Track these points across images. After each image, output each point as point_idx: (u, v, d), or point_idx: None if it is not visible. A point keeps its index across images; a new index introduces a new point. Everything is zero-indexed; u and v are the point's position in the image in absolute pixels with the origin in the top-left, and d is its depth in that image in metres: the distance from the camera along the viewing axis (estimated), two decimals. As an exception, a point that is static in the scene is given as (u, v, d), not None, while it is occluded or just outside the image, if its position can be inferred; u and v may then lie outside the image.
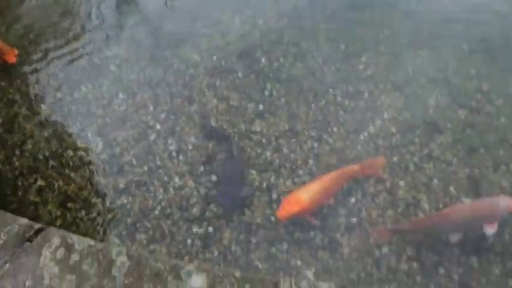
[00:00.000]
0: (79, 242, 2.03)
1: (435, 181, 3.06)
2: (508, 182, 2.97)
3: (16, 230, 2.12)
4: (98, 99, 3.94)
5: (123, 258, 1.94)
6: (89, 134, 3.68)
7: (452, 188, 3.00)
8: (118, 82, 4.04)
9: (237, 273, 1.82)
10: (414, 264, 2.64)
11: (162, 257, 1.95)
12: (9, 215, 2.27)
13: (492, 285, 2.51)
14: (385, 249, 2.73)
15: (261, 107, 3.70)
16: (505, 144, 3.22)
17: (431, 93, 3.67)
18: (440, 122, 3.44)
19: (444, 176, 3.08)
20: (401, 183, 3.06)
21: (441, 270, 2.61)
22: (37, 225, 2.16)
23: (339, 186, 2.91)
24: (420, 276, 2.59)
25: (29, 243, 2.08)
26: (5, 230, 2.13)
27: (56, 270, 1.92)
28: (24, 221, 2.21)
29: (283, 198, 2.86)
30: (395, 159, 3.20)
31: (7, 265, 1.95)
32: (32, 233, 2.13)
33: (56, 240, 2.05)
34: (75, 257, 1.97)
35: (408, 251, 2.71)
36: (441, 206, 2.90)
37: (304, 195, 2.73)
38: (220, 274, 1.81)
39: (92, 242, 2.04)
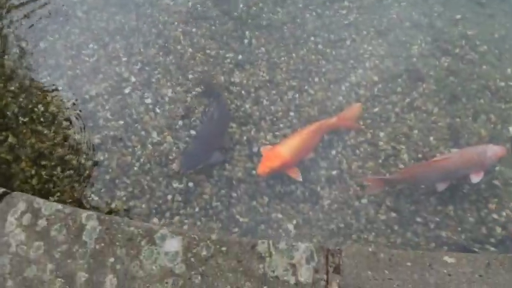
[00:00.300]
0: (46, 206, 1.95)
1: (416, 131, 3.05)
2: (487, 131, 2.99)
3: (-24, 195, 2.02)
4: (67, 49, 3.70)
5: (94, 222, 1.88)
6: (60, 88, 3.50)
7: (432, 138, 3.00)
8: (87, 31, 3.78)
9: (214, 236, 1.80)
10: (393, 214, 2.70)
11: (135, 221, 1.89)
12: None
13: (466, 233, 2.60)
14: (364, 200, 2.77)
15: (239, 56, 3.55)
16: (486, 92, 3.20)
17: (414, 40, 3.56)
18: (423, 69, 3.37)
19: (425, 126, 3.07)
20: (382, 134, 3.04)
21: (419, 219, 2.67)
22: (1, 190, 2.06)
23: (318, 139, 2.89)
24: (398, 226, 2.65)
25: (-8, 208, 2.00)
26: (-37, 194, 2.03)
27: (22, 237, 1.85)
28: (-15, 185, 2.11)
29: (263, 154, 2.82)
30: (376, 109, 3.16)
31: (-30, 232, 1.88)
32: (-5, 197, 2.04)
33: (21, 205, 1.96)
34: (42, 223, 1.90)
35: (387, 201, 2.76)
36: (420, 156, 2.92)
37: (284, 150, 2.71)
38: (196, 237, 1.78)
39: (60, 207, 1.96)
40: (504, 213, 2.65)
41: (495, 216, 2.65)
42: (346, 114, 2.99)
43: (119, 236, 1.80)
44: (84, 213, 1.92)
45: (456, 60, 3.41)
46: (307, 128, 2.87)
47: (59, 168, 3.09)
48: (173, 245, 1.75)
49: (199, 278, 1.67)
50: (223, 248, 1.75)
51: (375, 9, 3.79)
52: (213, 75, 3.42)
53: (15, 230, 1.88)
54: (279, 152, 2.69)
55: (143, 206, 2.86)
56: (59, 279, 1.70)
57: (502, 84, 3.23)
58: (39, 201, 1.97)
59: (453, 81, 3.29)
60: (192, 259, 1.72)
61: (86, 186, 3.01)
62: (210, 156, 2.89)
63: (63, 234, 1.85)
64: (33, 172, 3.07)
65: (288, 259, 1.71)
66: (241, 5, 3.88)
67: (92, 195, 2.95)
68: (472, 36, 3.55)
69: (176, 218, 2.80)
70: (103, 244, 1.80)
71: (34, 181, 3.03)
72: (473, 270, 1.66)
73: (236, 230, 2.72)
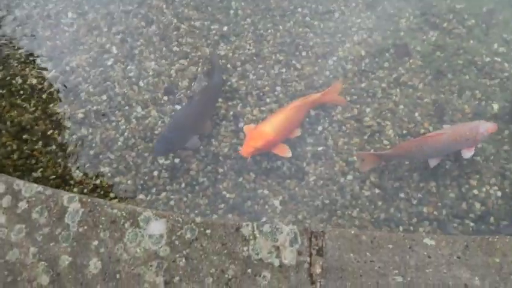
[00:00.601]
0: (26, 188, 1.90)
1: (401, 107, 3.06)
2: (471, 108, 3.01)
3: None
4: (44, 18, 3.54)
5: (76, 205, 1.85)
6: (39, 59, 3.37)
7: (417, 114, 3.02)
8: (64, -1, 3.61)
9: (198, 219, 1.80)
10: (377, 190, 2.74)
11: (118, 204, 1.87)
12: None
13: (447, 208, 2.67)
14: (349, 177, 2.80)
15: (225, 28, 3.45)
16: (472, 68, 3.20)
17: (403, 13, 3.51)
18: (410, 44, 3.34)
19: (411, 101, 3.08)
20: (368, 110, 3.04)
21: (402, 195, 2.73)
22: None
23: (302, 115, 2.86)
24: (382, 201, 2.71)
25: (-30, 190, 1.95)
26: None
27: (3, 219, 1.82)
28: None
29: (246, 133, 2.78)
30: (363, 85, 3.15)
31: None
32: (-28, 179, 1.98)
33: (0, 187, 1.92)
34: (23, 205, 1.86)
35: (372, 177, 2.80)
36: (405, 132, 2.94)
37: (267, 128, 2.66)
38: (181, 220, 1.78)
39: (40, 188, 1.92)
40: (484, 189, 2.72)
41: (475, 192, 2.72)
42: (330, 90, 2.97)
43: (103, 218, 1.78)
44: (66, 195, 1.89)
45: (443, 34, 3.39)
46: (291, 104, 2.82)
47: (41, 143, 3.02)
48: (157, 227, 1.75)
49: (184, 260, 1.69)
50: (208, 231, 1.75)
51: (365, -21, 3.69)
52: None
53: (-6, 212, 1.84)
54: (263, 131, 2.65)
55: (129, 182, 2.85)
56: (42, 263, 1.69)
57: (488, 59, 3.23)
58: (19, 183, 1.93)
59: (439, 56, 3.28)
60: (176, 242, 1.73)
61: (69, 162, 2.96)
62: (185, 142, 2.78)
63: (44, 216, 1.82)
64: (14, 147, 3.00)
65: (272, 242, 1.73)
66: (226, -27, 3.73)
67: (77, 171, 2.92)
68: (460, 10, 3.51)
69: (163, 194, 2.80)
70: (86, 227, 1.79)
71: (15, 156, 2.97)
72: (451, 252, 1.72)
73: (222, 206, 2.73)
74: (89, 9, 3.57)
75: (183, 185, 2.82)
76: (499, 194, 2.71)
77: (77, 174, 2.91)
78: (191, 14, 3.51)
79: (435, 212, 2.67)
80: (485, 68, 3.19)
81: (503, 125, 2.94)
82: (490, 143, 2.88)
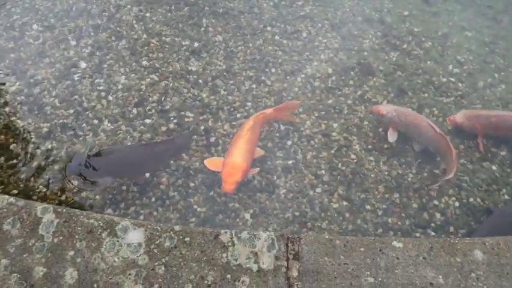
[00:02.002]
0: (-4, 199, 1.84)
1: (366, 123, 3.20)
2: (430, 124, 3.20)
3: None
4: (8, 30, 3.45)
5: (50, 215, 1.80)
6: (1, 71, 3.27)
7: (381, 130, 3.17)
8: (30, 11, 3.55)
9: (177, 227, 1.80)
10: (344, 203, 2.83)
11: (95, 214, 1.84)
12: None
13: (410, 219, 2.80)
14: (318, 190, 2.88)
15: (196, 44, 3.50)
16: (430, 87, 3.42)
17: (366, 34, 3.71)
18: (373, 64, 3.52)
19: (375, 117, 3.22)
20: (335, 125, 3.16)
21: (368, 207, 2.83)
22: None
23: (258, 134, 2.88)
24: (349, 213, 2.79)
25: None
26: None
27: None
28: None
29: (209, 167, 2.73)
30: (330, 101, 3.27)
31: None
32: None
33: None
34: None
35: (339, 190, 2.89)
36: (370, 147, 3.07)
37: (238, 159, 2.64)
38: (159, 228, 1.77)
39: (12, 199, 1.85)
40: (443, 200, 2.88)
41: (436, 202, 2.87)
42: (283, 107, 3.04)
43: (79, 228, 1.74)
44: (39, 206, 1.83)
45: (403, 55, 3.61)
46: (245, 125, 2.80)
47: (2, 158, 2.90)
48: (135, 236, 1.73)
49: (163, 268, 1.68)
50: (187, 239, 1.76)
51: (330, 2, 3.89)
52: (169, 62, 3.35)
53: (-37, 226, 1.75)
54: (236, 164, 2.62)
55: (97, 197, 2.78)
56: (15, 275, 1.63)
57: (444, 79, 3.46)
58: None
59: (400, 76, 3.48)
60: (155, 250, 1.72)
61: (33, 177, 2.86)
62: (98, 177, 2.68)
63: (17, 228, 1.76)
64: (-27, 162, 2.87)
65: (250, 247, 1.76)
66: (197, -9, 3.81)
67: (40, 186, 2.82)
68: (418, 33, 3.76)
69: (132, 208, 2.75)
70: (61, 237, 1.74)
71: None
72: (418, 253, 1.82)
73: (193, 219, 2.72)
74: (56, 22, 3.52)
75: (153, 199, 2.79)
76: (457, 204, 2.87)
77: (41, 190, 2.81)
78: (162, 30, 3.54)
79: (399, 222, 2.78)
80: (442, 87, 3.41)
81: (459, 140, 3.13)
82: (448, 157, 3.06)
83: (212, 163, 2.77)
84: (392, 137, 3.03)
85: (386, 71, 3.49)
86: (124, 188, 2.83)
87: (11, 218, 1.79)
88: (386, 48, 3.63)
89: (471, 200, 2.89)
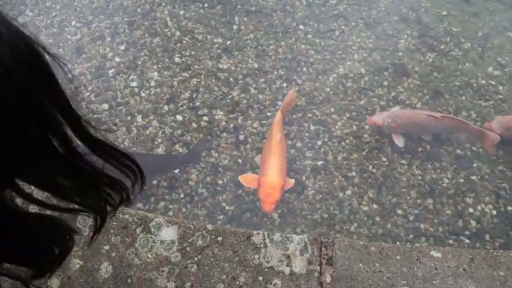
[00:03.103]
0: (38, 191, 1.89)
1: (400, 125, 3.11)
2: (467, 128, 3.08)
3: None
4: (48, 27, 3.56)
5: (87, 209, 1.85)
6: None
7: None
8: (69, 7, 3.65)
9: (209, 226, 1.80)
10: (375, 206, 2.77)
11: (129, 209, 1.87)
12: None
13: (443, 225, 2.70)
14: (348, 192, 2.83)
15: (228, 42, 3.51)
16: (468, 89, 3.29)
17: (401, 34, 3.61)
18: (408, 64, 3.43)
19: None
20: (367, 127, 3.09)
21: (399, 211, 2.76)
22: None
23: (285, 141, 2.83)
24: (380, 217, 2.73)
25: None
26: None
27: None
28: None
29: (245, 184, 2.66)
30: (362, 102, 3.21)
31: None
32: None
33: None
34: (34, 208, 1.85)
35: (370, 192, 2.82)
36: (403, 149, 2.99)
37: (275, 178, 2.56)
38: (192, 227, 1.78)
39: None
40: (479, 208, 2.77)
41: (471, 210, 2.76)
42: (286, 103, 2.99)
43: (114, 223, 1.77)
44: (77, 199, 1.88)
45: (440, 56, 3.49)
46: (272, 138, 2.71)
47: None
48: (168, 233, 1.74)
49: (195, 267, 1.68)
50: (219, 238, 1.76)
51: (364, 1, 3.80)
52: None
53: None
54: (274, 182, 2.54)
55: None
56: None
57: (483, 82, 3.33)
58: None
59: (437, 77, 3.36)
60: (188, 248, 1.73)
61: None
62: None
63: (56, 220, 1.81)
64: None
65: (282, 250, 1.74)
66: (230, -11, 3.81)
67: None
68: (456, 33, 3.62)
69: (161, 203, 2.79)
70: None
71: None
72: (457, 264, 1.74)
73: (221, 217, 2.73)
74: (93, 19, 3.61)
75: (182, 195, 2.82)
76: (494, 212, 2.75)
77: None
78: (194, 27, 3.57)
79: (431, 229, 2.70)
80: (481, 90, 3.28)
81: (498, 146, 3.00)
82: (485, 163, 2.94)
83: (246, 180, 2.69)
84: (399, 142, 2.91)
85: (422, 72, 3.38)
86: (155, 183, 2.87)
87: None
88: (422, 49, 3.52)
89: (509, 208, 2.76)
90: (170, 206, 2.77)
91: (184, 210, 2.76)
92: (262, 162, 2.70)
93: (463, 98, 3.24)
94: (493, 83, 3.33)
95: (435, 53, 3.50)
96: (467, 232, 2.69)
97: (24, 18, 3.61)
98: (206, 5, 3.72)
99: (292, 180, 2.70)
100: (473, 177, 2.88)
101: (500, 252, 1.84)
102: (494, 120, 2.97)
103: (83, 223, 1.79)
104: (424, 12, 3.75)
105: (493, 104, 3.22)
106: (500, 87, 3.31)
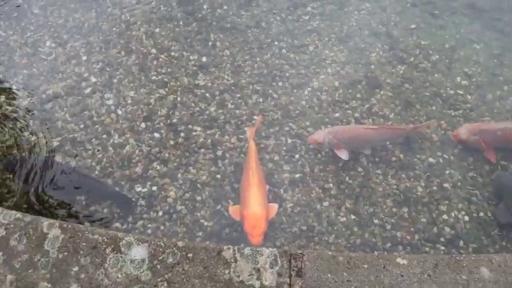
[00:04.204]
0: (5, 215, 1.87)
1: (374, 136, 3.19)
2: (437, 136, 3.18)
3: None
4: (22, 46, 3.54)
5: (56, 231, 1.82)
6: (14, 87, 3.35)
7: (388, 142, 3.15)
8: (43, 27, 3.64)
9: (180, 243, 1.81)
10: (352, 216, 2.81)
11: (99, 229, 1.86)
12: None
13: (420, 233, 2.76)
14: (325, 203, 2.87)
15: (204, 59, 3.55)
16: (438, 99, 3.40)
17: (373, 48, 3.72)
18: (380, 76, 3.52)
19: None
20: (342, 138, 3.15)
21: (376, 221, 2.81)
22: None
23: (261, 167, 2.85)
24: (357, 227, 2.77)
25: None
26: None
27: None
28: None
29: (245, 226, 2.51)
30: (337, 115, 3.27)
31: None
32: (-50, 206, 1.94)
33: None
34: (1, 232, 1.82)
35: (347, 203, 2.87)
36: (377, 160, 3.06)
37: (258, 209, 2.53)
38: (163, 244, 1.78)
39: (19, 215, 1.89)
40: (453, 214, 2.84)
41: (445, 217, 2.83)
42: (257, 125, 3.08)
43: (84, 244, 1.76)
44: (45, 222, 1.86)
45: (411, 68, 3.60)
46: (248, 169, 2.71)
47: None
48: (139, 252, 1.74)
49: (166, 284, 1.68)
50: (190, 255, 1.76)
51: (336, 16, 3.92)
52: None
53: (-29, 240, 1.79)
54: (258, 214, 2.51)
55: (105, 210, 2.81)
56: None
57: (452, 92, 3.45)
58: None
59: (408, 88, 3.47)
60: (158, 266, 1.73)
61: (43, 191, 2.90)
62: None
63: (23, 243, 1.79)
64: (-15, 176, 2.92)
65: (252, 264, 1.76)
66: (205, 7, 3.88)
67: (50, 199, 2.85)
68: (425, 46, 3.75)
69: (140, 222, 2.77)
70: (66, 253, 1.76)
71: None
72: (422, 270, 1.79)
73: (200, 234, 2.73)
74: (69, 38, 3.61)
75: (161, 213, 2.81)
76: (467, 218, 2.83)
77: (51, 204, 2.84)
78: (170, 45, 3.60)
79: (408, 237, 2.75)
80: (450, 100, 3.39)
81: (468, 153, 3.10)
82: (456, 170, 3.03)
83: (234, 212, 2.66)
84: (343, 155, 2.94)
85: (394, 83, 3.48)
86: (132, 201, 2.85)
87: (18, 233, 1.82)
88: (393, 62, 3.63)
89: (481, 214, 2.84)
90: (149, 225, 2.76)
91: (162, 228, 2.75)
92: (242, 194, 2.67)
93: (433, 108, 3.35)
94: (461, 92, 3.45)
95: (406, 65, 3.61)
96: (442, 239, 2.75)
97: (-3, 39, 3.59)
98: (181, 22, 3.77)
99: (276, 205, 2.69)
100: (446, 185, 2.96)
101: (463, 256, 1.90)
102: (462, 128, 3.08)
103: (51, 245, 1.77)
104: (394, 26, 3.88)
105: (462, 113, 3.33)
106: (469, 97, 3.43)
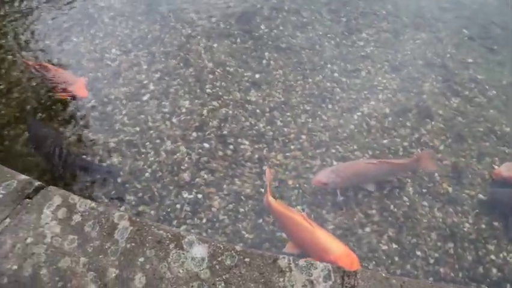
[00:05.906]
0: (81, 203, 2.04)
1: (422, 166, 3.15)
2: (489, 174, 3.09)
3: (15, 186, 2.10)
4: (90, 52, 3.81)
5: (125, 222, 1.96)
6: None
7: (436, 174, 3.10)
8: (111, 36, 3.90)
9: (238, 247, 1.89)
10: (394, 245, 2.77)
11: (164, 226, 2.02)
12: (6, 169, 2.23)
13: (464, 271, 2.67)
14: (367, 229, 2.84)
15: (257, 76, 3.67)
16: (492, 136, 3.32)
17: (426, 78, 3.70)
18: (432, 107, 3.49)
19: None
20: (389, 165, 3.13)
21: (419, 253, 2.75)
22: (37, 183, 2.14)
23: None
24: (399, 257, 2.72)
25: (29, 200, 2.07)
26: (3, 184, 2.10)
27: (57, 229, 1.93)
28: (23, 177, 2.18)
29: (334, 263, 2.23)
30: (385, 141, 3.27)
31: (7, 220, 1.96)
32: (31, 190, 2.11)
33: (57, 200, 2.05)
34: (77, 218, 1.98)
35: (390, 231, 2.83)
36: (424, 191, 3.01)
37: (342, 249, 2.41)
38: (222, 246, 1.88)
39: (94, 204, 2.05)
40: (501, 255, 2.73)
41: (492, 257, 2.73)
42: (268, 183, 2.87)
43: (149, 238, 1.91)
44: (116, 213, 2.02)
45: (465, 101, 3.55)
46: (295, 219, 2.61)
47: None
48: (199, 251, 1.85)
49: (223, 284, 1.76)
50: (247, 259, 1.85)
51: (391, 44, 3.94)
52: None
53: (50, 222, 1.96)
54: (351, 255, 2.41)
55: (152, 212, 2.92)
56: (91, 273, 1.81)
57: (507, 129, 3.35)
58: (74, 197, 2.08)
59: (460, 122, 3.41)
60: (217, 266, 1.83)
61: (96, 187, 3.07)
62: None
63: (96, 230, 1.94)
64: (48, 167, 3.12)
65: (306, 275, 1.80)
66: (262, 26, 4.01)
67: (103, 196, 3.01)
68: (481, 80, 3.69)
69: (183, 227, 2.86)
70: (133, 244, 1.90)
71: (47, 176, 3.09)
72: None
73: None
74: (133, 47, 3.84)
75: (204, 220, 2.89)
76: (517, 261, 2.71)
77: (103, 200, 3.00)
78: (226, 60, 3.75)
79: (452, 273, 2.67)
80: (505, 137, 3.30)
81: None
82: (508, 210, 2.92)
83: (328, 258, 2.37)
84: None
85: (446, 115, 3.44)
86: (178, 206, 2.95)
87: (92, 221, 1.98)
88: (447, 93, 3.59)
89: (532, 258, 2.72)
90: (192, 230, 2.84)
91: (204, 234, 2.82)
92: (304, 243, 2.54)
93: (487, 143, 3.27)
94: (517, 131, 3.35)
95: (460, 98, 3.56)
96: (488, 280, 2.65)
97: (69, 44, 3.87)
98: (239, 39, 3.92)
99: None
100: (496, 224, 2.86)
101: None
102: (503, 166, 3.00)
103: (121, 235, 1.90)
104: (449, 58, 3.85)
105: (517, 151, 3.23)
106: (525, 135, 3.33)
